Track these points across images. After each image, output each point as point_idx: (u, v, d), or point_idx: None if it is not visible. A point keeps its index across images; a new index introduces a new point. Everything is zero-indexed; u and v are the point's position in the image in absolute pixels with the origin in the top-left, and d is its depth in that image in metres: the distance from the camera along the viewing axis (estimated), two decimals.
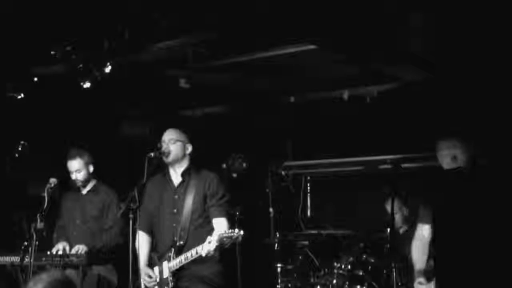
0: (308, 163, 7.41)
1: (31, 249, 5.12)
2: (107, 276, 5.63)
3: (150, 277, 4.85)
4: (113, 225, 5.64)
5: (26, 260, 5.17)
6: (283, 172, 7.30)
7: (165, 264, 4.81)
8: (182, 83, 6.37)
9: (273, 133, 7.37)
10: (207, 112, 7.72)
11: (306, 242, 6.63)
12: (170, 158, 4.92)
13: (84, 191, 5.87)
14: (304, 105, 7.11)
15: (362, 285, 6.02)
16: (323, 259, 6.40)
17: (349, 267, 6.10)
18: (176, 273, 4.75)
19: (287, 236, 6.67)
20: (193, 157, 5.09)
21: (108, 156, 6.31)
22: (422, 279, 4.73)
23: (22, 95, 6.27)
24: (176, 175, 5.01)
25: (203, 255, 4.52)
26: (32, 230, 5.16)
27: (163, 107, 7.47)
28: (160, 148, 4.90)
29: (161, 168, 5.09)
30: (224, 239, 4.42)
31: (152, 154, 4.84)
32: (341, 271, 6.08)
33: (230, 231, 4.45)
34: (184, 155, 4.98)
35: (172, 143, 4.91)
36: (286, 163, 7.45)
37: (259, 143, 7.26)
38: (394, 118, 6.67)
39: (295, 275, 6.35)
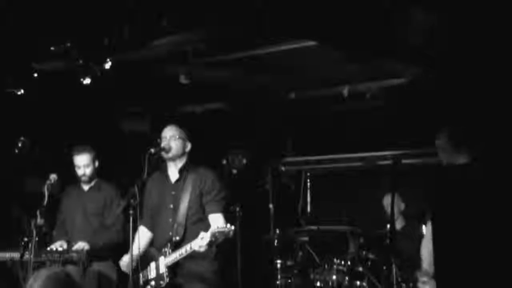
0: (308, 159, 7.41)
1: (31, 245, 5.13)
2: (107, 273, 5.64)
3: (125, 261, 4.92)
4: (114, 223, 5.65)
5: (26, 256, 5.17)
6: (283, 168, 7.31)
7: (161, 259, 4.84)
8: (182, 79, 6.37)
9: (273, 129, 7.37)
10: (208, 108, 7.72)
11: (306, 238, 6.63)
12: (170, 154, 4.95)
13: (86, 188, 5.87)
14: (304, 101, 7.10)
15: (362, 281, 6.02)
16: (323, 255, 6.40)
17: (349, 263, 6.10)
18: (172, 269, 4.77)
19: (287, 232, 6.67)
20: (193, 154, 5.10)
21: (108, 153, 6.31)
22: (425, 278, 4.76)
23: (22, 91, 6.27)
24: (174, 172, 5.04)
25: (196, 249, 4.54)
26: (32, 226, 5.16)
27: (163, 104, 7.47)
28: (160, 144, 4.91)
29: (162, 164, 5.11)
30: (217, 234, 4.44)
31: (152, 150, 4.87)
32: (341, 267, 6.09)
33: (222, 226, 4.48)
34: (183, 153, 5.02)
35: (174, 139, 4.95)
36: (286, 159, 7.46)
37: (259, 139, 7.26)
38: (395, 115, 6.66)
39: (295, 271, 6.36)
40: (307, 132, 7.31)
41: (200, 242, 4.50)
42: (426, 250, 4.87)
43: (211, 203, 4.88)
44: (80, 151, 5.74)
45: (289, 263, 6.38)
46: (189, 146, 5.04)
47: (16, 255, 5.40)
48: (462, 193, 4.54)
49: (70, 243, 5.63)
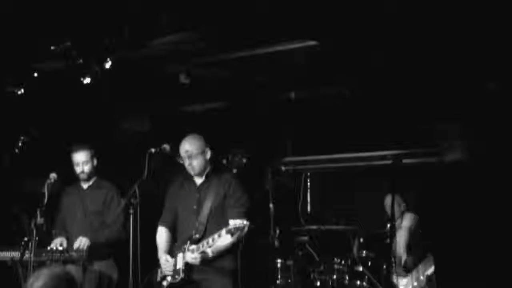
0: (308, 158, 7.41)
1: (31, 245, 5.14)
2: (108, 272, 5.64)
3: (167, 261, 4.99)
4: (115, 221, 5.66)
5: (26, 255, 5.18)
6: (283, 168, 7.30)
7: (180, 255, 4.94)
8: (182, 78, 6.37)
9: (273, 128, 7.36)
10: (207, 107, 7.72)
11: (306, 238, 6.63)
12: (195, 172, 5.06)
13: (86, 186, 5.87)
14: (304, 100, 7.11)
15: (362, 280, 6.03)
16: (323, 255, 6.40)
17: (349, 262, 6.11)
18: (189, 265, 4.88)
19: (287, 232, 6.67)
20: None
21: (108, 153, 6.32)
22: (401, 271, 4.76)
23: (22, 90, 6.28)
24: (199, 178, 5.14)
25: (208, 250, 4.75)
26: (32, 225, 5.18)
27: (163, 103, 7.47)
28: (181, 161, 5.02)
29: (162, 164, 5.14)
30: (232, 230, 4.58)
31: (153, 150, 4.96)
32: (341, 267, 6.09)
33: (239, 222, 4.61)
34: (205, 163, 5.09)
35: (194, 158, 5.01)
36: (286, 159, 7.45)
37: (259, 138, 7.26)
38: (396, 113, 6.66)
39: (295, 271, 6.35)
40: (307, 132, 7.30)
41: (218, 238, 4.69)
42: (403, 238, 4.89)
43: (232, 209, 4.97)
44: (78, 149, 5.76)
45: (289, 262, 6.37)
46: (209, 153, 5.10)
47: (16, 254, 5.41)
48: (458, 190, 4.56)
49: (69, 239, 5.65)
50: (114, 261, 5.65)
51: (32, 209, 5.33)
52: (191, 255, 4.83)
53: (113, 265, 5.66)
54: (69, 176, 5.88)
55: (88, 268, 5.54)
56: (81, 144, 5.79)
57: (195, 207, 5.03)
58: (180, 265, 4.91)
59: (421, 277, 4.56)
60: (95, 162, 5.82)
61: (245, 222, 4.58)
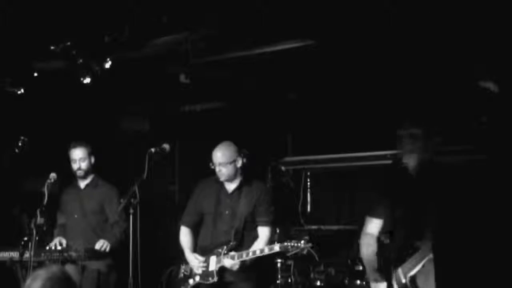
0: (308, 158, 7.40)
1: (31, 245, 5.15)
2: (107, 272, 5.64)
3: (196, 259, 5.07)
4: (117, 221, 5.67)
5: (26, 255, 5.19)
6: (283, 168, 7.29)
7: (213, 258, 4.99)
8: (182, 78, 6.37)
9: (273, 128, 7.36)
10: (207, 107, 7.72)
11: (306, 238, 6.63)
12: (224, 179, 5.12)
13: (83, 185, 5.88)
14: (304, 100, 7.10)
15: (362, 280, 6.02)
16: (323, 255, 6.40)
17: (349, 262, 6.11)
18: (224, 269, 4.95)
19: (287, 231, 6.66)
20: (193, 154, 5.13)
21: (107, 152, 6.32)
22: (377, 276, 4.50)
23: (22, 90, 6.28)
24: (230, 184, 5.18)
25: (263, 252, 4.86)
26: (32, 225, 5.18)
27: (163, 102, 7.47)
28: (213, 168, 5.07)
29: (161, 163, 5.15)
30: (289, 247, 4.74)
31: (153, 149, 4.99)
32: (341, 267, 6.09)
33: (301, 242, 4.76)
34: (236, 171, 5.14)
35: (223, 166, 5.07)
36: (286, 159, 7.44)
37: (259, 138, 7.26)
38: (396, 113, 6.65)
39: (295, 271, 6.35)
40: (307, 131, 7.30)
41: (268, 252, 4.83)
42: (370, 248, 4.53)
43: (261, 216, 5.07)
44: (75, 146, 5.79)
45: (289, 262, 6.37)
46: (240, 162, 5.13)
47: (15, 254, 5.42)
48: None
49: (69, 239, 5.68)
50: (113, 261, 5.66)
51: (32, 209, 5.33)
52: (231, 261, 4.90)
53: (112, 265, 5.66)
54: (69, 176, 5.89)
55: (87, 267, 5.55)
56: (78, 141, 5.81)
57: (227, 212, 5.09)
58: (213, 267, 4.98)
59: (403, 280, 4.37)
60: (92, 159, 5.84)
61: (307, 244, 4.72)
